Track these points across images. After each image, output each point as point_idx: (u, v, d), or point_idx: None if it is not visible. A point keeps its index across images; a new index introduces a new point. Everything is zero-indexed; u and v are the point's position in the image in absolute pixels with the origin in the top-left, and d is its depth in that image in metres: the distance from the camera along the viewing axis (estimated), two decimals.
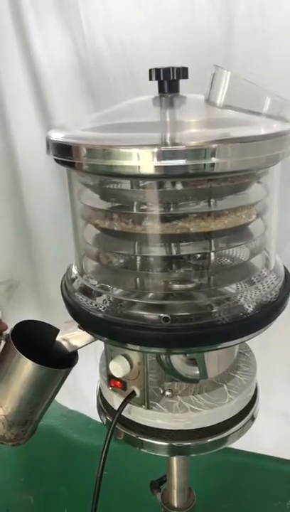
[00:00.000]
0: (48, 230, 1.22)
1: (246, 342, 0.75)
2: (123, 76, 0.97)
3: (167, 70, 0.56)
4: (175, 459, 0.77)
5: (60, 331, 0.68)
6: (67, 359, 0.68)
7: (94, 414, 1.32)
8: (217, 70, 0.53)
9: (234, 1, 0.86)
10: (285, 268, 0.66)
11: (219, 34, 0.88)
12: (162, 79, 0.56)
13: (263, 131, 0.51)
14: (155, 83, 0.58)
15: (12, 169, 1.21)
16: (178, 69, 0.56)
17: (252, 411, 0.68)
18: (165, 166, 0.47)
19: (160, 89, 0.57)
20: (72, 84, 1.05)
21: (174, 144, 0.48)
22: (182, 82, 0.58)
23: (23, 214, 1.23)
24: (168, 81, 0.56)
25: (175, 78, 0.56)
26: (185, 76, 0.57)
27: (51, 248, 1.23)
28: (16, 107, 1.13)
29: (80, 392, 1.31)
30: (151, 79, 0.57)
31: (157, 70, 0.56)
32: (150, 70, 0.57)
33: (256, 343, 0.73)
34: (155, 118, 0.58)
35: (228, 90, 0.55)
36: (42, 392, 0.68)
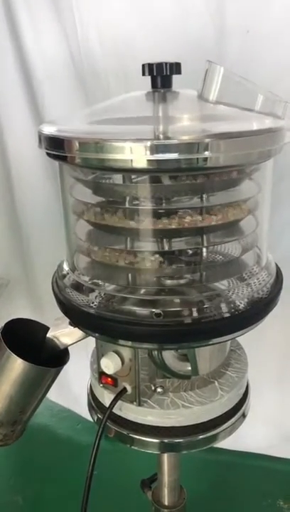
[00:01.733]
0: (39, 228, 1.21)
1: (238, 339, 0.75)
2: (116, 76, 0.96)
3: (160, 65, 0.56)
4: (166, 457, 0.77)
5: (51, 328, 0.68)
6: (58, 357, 0.68)
7: (84, 412, 1.33)
8: (210, 65, 0.53)
9: (227, 2, 0.86)
10: (276, 266, 0.66)
11: (212, 35, 0.89)
12: (155, 74, 0.56)
13: (255, 127, 0.52)
14: (148, 83, 0.58)
15: (3, 168, 1.20)
16: (171, 64, 0.56)
17: (243, 408, 0.68)
18: (157, 160, 0.47)
19: (153, 85, 0.57)
20: (65, 84, 1.04)
21: (167, 137, 0.48)
22: (175, 81, 0.58)
23: (13, 212, 1.23)
24: (161, 76, 0.56)
25: (168, 73, 0.56)
26: (178, 71, 0.57)
27: (42, 247, 1.23)
28: (8, 106, 1.12)
29: (71, 391, 1.30)
30: (144, 74, 0.57)
31: (150, 65, 0.56)
32: (143, 65, 0.57)
33: (245, 340, 0.74)
34: (148, 112, 0.58)
35: (221, 87, 0.55)
36: (32, 391, 0.68)
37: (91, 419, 1.29)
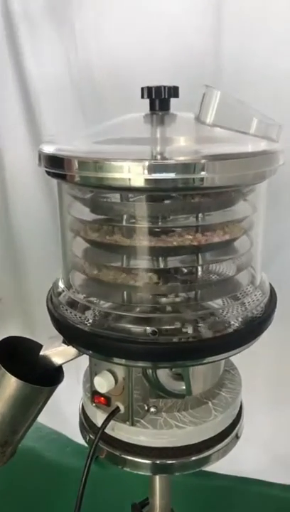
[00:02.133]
0: (34, 245, 1.21)
1: (232, 360, 0.76)
2: (115, 95, 0.99)
3: (158, 89, 0.57)
4: (157, 480, 0.76)
5: (44, 346, 0.67)
6: (52, 377, 0.67)
7: (74, 435, 1.31)
8: (207, 89, 0.55)
9: (225, 21, 0.89)
10: (271, 285, 0.67)
11: (209, 53, 0.91)
12: (153, 97, 0.58)
13: (251, 149, 0.53)
14: (147, 102, 0.59)
15: (0, 186, 1.21)
16: (169, 88, 0.57)
17: (237, 429, 0.68)
18: (155, 179, 0.48)
19: (152, 107, 0.59)
20: (64, 102, 1.06)
21: (164, 158, 0.49)
22: (173, 100, 0.59)
23: (8, 229, 1.23)
24: (160, 99, 0.58)
25: (166, 97, 0.58)
26: (176, 95, 0.58)
27: (36, 264, 1.23)
28: (6, 123, 1.14)
29: (61, 413, 1.28)
30: (142, 97, 0.58)
31: (149, 89, 0.58)
32: (142, 89, 0.58)
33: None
34: (146, 134, 0.59)
35: (217, 110, 0.57)
36: (25, 411, 0.66)
37: (80, 442, 1.27)
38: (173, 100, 0.59)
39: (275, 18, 0.84)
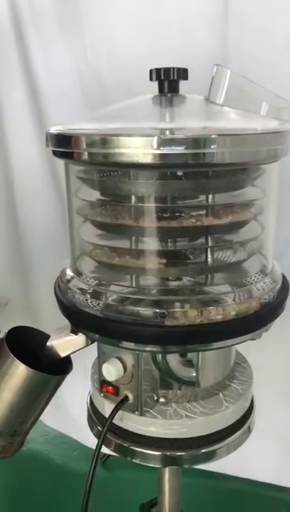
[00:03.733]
0: (41, 246, 1.21)
1: (243, 354, 0.74)
2: (124, 95, 0.98)
3: (167, 70, 0.57)
4: (167, 477, 0.73)
5: (51, 337, 0.66)
6: (60, 367, 0.66)
7: (81, 438, 1.29)
8: (217, 68, 0.54)
9: (230, 26, 0.89)
10: (283, 274, 0.66)
11: (217, 59, 0.91)
12: (162, 78, 0.57)
13: (262, 126, 0.52)
14: None
15: (7, 187, 1.21)
16: (179, 69, 0.57)
17: (249, 422, 0.66)
18: (164, 154, 0.47)
19: (161, 89, 0.58)
20: (73, 105, 1.07)
21: (174, 132, 0.48)
22: None
23: (15, 230, 1.22)
24: (169, 81, 0.57)
25: (175, 78, 0.57)
26: (185, 77, 0.58)
27: (43, 265, 1.22)
28: (15, 126, 1.14)
29: (68, 414, 1.26)
30: (151, 79, 0.58)
31: (158, 70, 0.57)
32: (150, 70, 0.58)
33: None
34: (154, 112, 0.58)
35: (228, 91, 0.56)
36: (34, 400, 0.65)
37: (88, 445, 1.25)
38: None
39: (282, 13, 0.84)
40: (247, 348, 0.66)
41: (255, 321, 0.57)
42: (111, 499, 1.11)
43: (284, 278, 0.65)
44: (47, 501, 1.22)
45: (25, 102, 1.11)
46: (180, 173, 0.53)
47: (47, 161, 1.12)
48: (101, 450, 0.61)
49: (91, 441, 0.63)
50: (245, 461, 1.12)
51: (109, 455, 1.19)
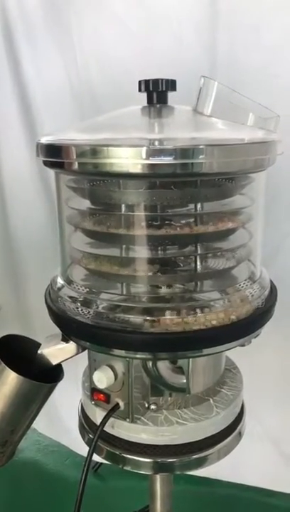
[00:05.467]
0: (34, 252, 1.21)
1: (234, 360, 0.74)
2: (115, 103, 0.99)
3: (156, 82, 0.58)
4: (158, 485, 0.74)
5: (42, 345, 0.66)
6: (52, 375, 0.66)
7: (74, 445, 1.29)
8: (204, 80, 0.55)
9: (219, 35, 0.90)
10: (271, 281, 0.67)
11: (205, 66, 0.93)
12: (151, 90, 0.58)
13: (249, 137, 0.53)
14: None
15: None
16: (167, 80, 0.58)
17: (239, 427, 0.66)
18: (153, 165, 0.48)
19: (149, 100, 0.59)
20: (64, 112, 1.07)
21: (163, 143, 0.49)
22: None
23: (7, 235, 1.23)
24: (157, 92, 0.58)
25: (163, 89, 0.58)
26: (174, 88, 0.59)
27: (36, 271, 1.22)
28: (5, 131, 1.15)
29: (61, 422, 1.26)
30: (140, 90, 0.59)
31: (146, 82, 0.58)
32: (139, 82, 0.59)
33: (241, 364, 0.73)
34: (144, 123, 0.59)
35: (215, 102, 0.57)
36: (24, 408, 0.65)
37: (80, 453, 1.25)
38: None
39: (271, 13, 0.86)
40: (240, 353, 0.66)
41: (245, 327, 0.58)
42: (103, 507, 1.11)
43: (272, 284, 0.66)
44: (39, 510, 1.21)
45: (16, 109, 1.12)
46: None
47: (38, 168, 1.12)
48: (94, 458, 0.61)
49: (84, 449, 0.63)
50: (238, 467, 1.13)
51: (101, 463, 1.19)
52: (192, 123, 0.58)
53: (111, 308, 0.58)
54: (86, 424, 0.68)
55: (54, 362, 0.65)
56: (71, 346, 0.62)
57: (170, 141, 0.49)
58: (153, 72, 0.91)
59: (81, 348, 0.61)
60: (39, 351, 0.65)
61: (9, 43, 1.06)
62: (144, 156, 0.47)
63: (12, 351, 0.65)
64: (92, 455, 0.60)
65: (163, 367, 0.59)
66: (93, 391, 0.63)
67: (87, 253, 0.60)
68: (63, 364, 0.65)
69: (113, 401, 0.61)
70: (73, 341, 0.61)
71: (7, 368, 0.61)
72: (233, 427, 0.66)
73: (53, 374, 0.66)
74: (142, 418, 0.62)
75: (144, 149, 0.47)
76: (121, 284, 0.59)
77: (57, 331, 0.62)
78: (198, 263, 0.58)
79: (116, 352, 0.56)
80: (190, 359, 0.58)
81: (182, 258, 0.59)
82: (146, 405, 0.62)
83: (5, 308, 1.29)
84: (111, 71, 0.99)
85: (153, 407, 0.62)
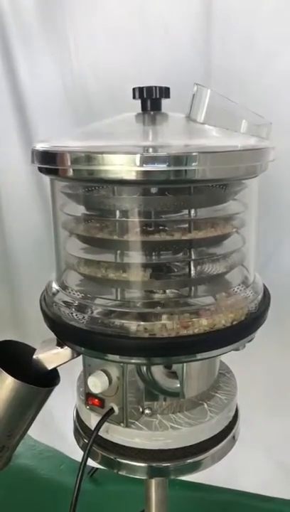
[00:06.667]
0: (28, 258, 1.21)
1: (227, 364, 0.75)
2: (110, 108, 1.00)
3: (150, 89, 0.59)
4: (154, 490, 0.74)
5: (37, 350, 0.67)
6: (48, 380, 0.66)
7: (69, 450, 1.28)
8: (198, 87, 0.56)
9: (213, 41, 0.91)
10: (264, 286, 0.67)
11: (199, 73, 0.93)
12: (145, 97, 0.59)
13: (242, 144, 0.54)
14: None
15: None
16: (161, 88, 0.59)
17: (234, 431, 0.67)
18: (147, 171, 0.48)
19: (143, 107, 0.60)
20: (58, 117, 1.08)
21: (156, 150, 0.49)
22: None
23: (2, 241, 1.23)
24: (151, 99, 0.59)
25: (157, 97, 0.59)
26: (167, 95, 0.60)
27: (30, 276, 1.22)
28: (1, 138, 1.15)
29: (55, 427, 1.26)
30: (134, 97, 0.60)
31: (140, 89, 0.59)
32: (133, 89, 0.59)
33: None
34: (138, 130, 0.60)
35: (208, 109, 0.58)
36: (21, 413, 0.65)
37: (75, 458, 1.24)
38: None
39: (264, 21, 0.87)
40: (233, 358, 0.67)
41: (238, 332, 0.58)
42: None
43: (265, 289, 0.67)
44: None
45: (11, 114, 1.12)
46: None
47: (33, 174, 1.12)
48: (89, 463, 0.61)
49: (79, 454, 0.64)
50: (233, 472, 1.13)
51: (97, 468, 1.19)
52: (186, 130, 0.59)
53: (105, 313, 0.58)
54: (81, 429, 0.68)
55: (49, 367, 0.65)
56: (66, 351, 0.62)
57: (164, 148, 0.50)
58: (148, 78, 0.92)
59: (76, 353, 0.62)
60: (34, 356, 0.66)
61: (4, 49, 1.07)
62: (138, 163, 0.48)
63: (7, 357, 0.65)
64: (86, 460, 0.60)
65: (158, 372, 0.60)
66: (88, 396, 0.63)
67: (81, 258, 0.61)
68: (59, 370, 0.65)
69: (107, 406, 0.61)
70: (68, 346, 0.61)
71: (4, 372, 0.62)
72: (227, 432, 0.66)
73: (49, 379, 0.66)
74: (136, 423, 0.62)
75: (138, 156, 0.48)
76: (115, 289, 0.59)
77: (52, 336, 0.63)
78: (192, 268, 0.59)
79: (111, 357, 0.56)
80: (184, 364, 0.58)
81: (176, 263, 0.60)
82: (141, 410, 0.63)
83: None
84: (106, 77, 1.00)
85: (147, 411, 0.63)
